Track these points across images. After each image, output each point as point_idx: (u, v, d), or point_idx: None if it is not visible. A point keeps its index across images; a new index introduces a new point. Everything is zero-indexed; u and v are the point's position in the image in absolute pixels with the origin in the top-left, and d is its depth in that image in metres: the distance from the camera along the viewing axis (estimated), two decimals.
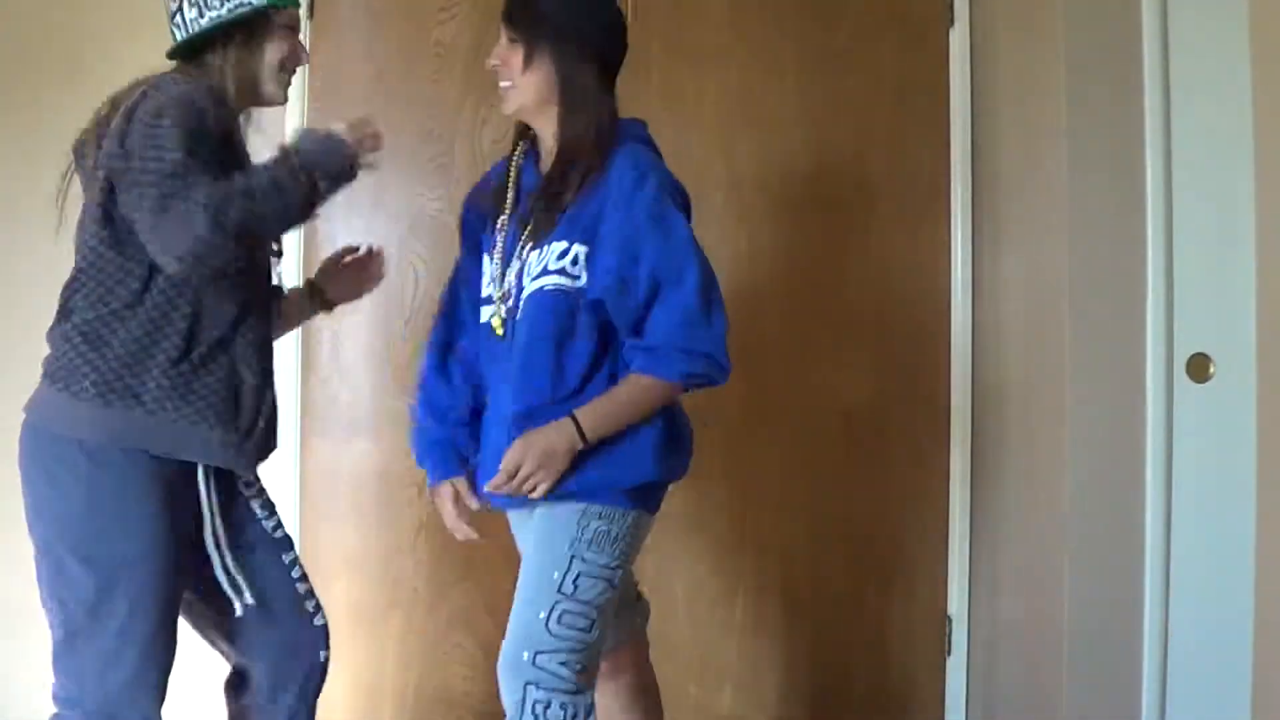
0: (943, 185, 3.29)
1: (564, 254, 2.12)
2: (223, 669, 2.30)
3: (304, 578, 2.22)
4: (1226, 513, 2.64)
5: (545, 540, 2.13)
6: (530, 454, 2.06)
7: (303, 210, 1.97)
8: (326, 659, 2.22)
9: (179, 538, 2.04)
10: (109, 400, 1.97)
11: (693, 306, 2.07)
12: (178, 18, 2.07)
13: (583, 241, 2.11)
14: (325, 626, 2.23)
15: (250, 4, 2.04)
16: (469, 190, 2.43)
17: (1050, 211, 2.87)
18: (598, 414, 2.09)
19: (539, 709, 2.03)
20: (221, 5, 2.03)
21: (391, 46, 3.14)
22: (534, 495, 2.08)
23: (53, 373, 2.03)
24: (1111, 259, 2.76)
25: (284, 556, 2.20)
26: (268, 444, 2.16)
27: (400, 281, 3.12)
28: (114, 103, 2.01)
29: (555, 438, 2.07)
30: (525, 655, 2.05)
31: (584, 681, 2.08)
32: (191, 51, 2.08)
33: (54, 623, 2.04)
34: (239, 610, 2.11)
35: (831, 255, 3.28)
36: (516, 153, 2.29)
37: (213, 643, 2.25)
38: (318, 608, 2.22)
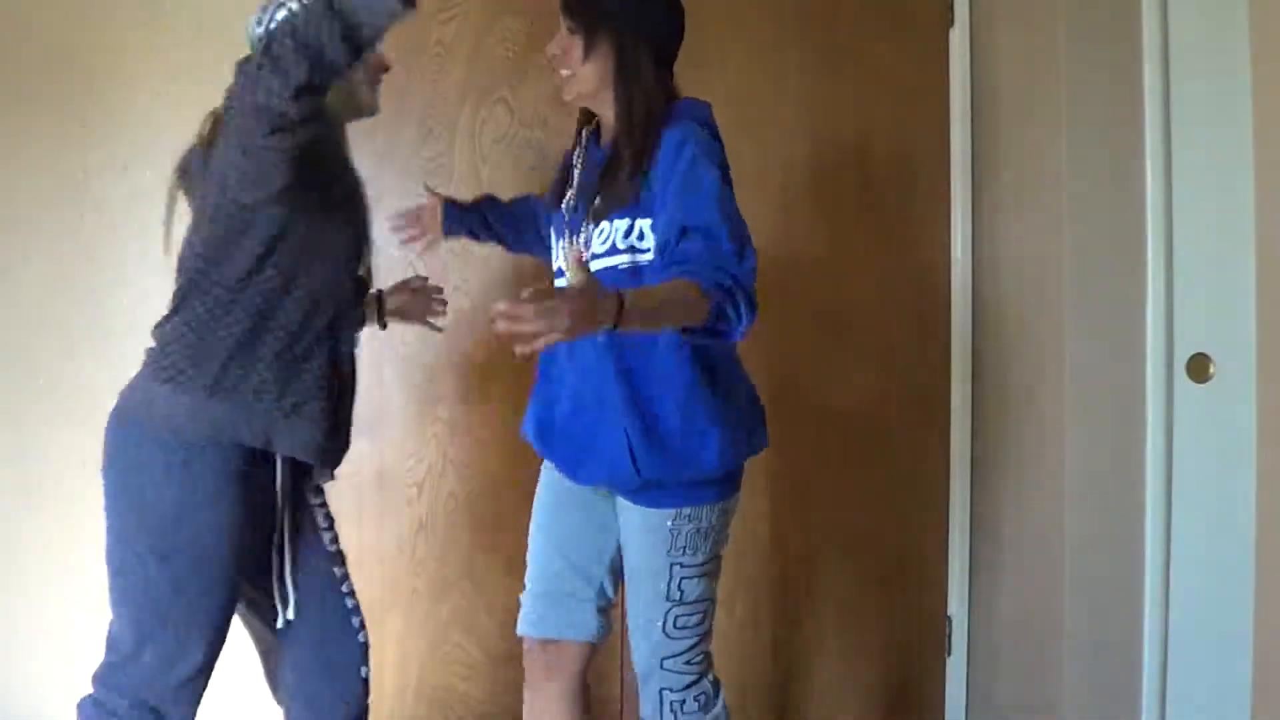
0: (943, 185, 3.29)
1: (629, 231, 2.15)
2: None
3: (352, 593, 2.26)
4: (1226, 513, 2.64)
5: (643, 551, 2.23)
6: (566, 306, 1.69)
7: (343, 45, 1.88)
8: (367, 675, 2.25)
9: (252, 544, 2.08)
10: (212, 391, 2.02)
11: (722, 244, 2.02)
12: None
13: (645, 215, 2.15)
14: (366, 644, 2.26)
15: None
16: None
17: (1050, 211, 2.87)
18: (639, 297, 1.86)
19: (676, 707, 2.26)
20: None
21: (392, 46, 3.12)
22: (519, 346, 1.70)
23: (157, 366, 2.07)
24: (1111, 259, 2.76)
25: (336, 570, 2.24)
26: (348, 444, 2.22)
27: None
28: (214, 118, 2.09)
29: (593, 303, 1.75)
30: (655, 663, 2.25)
31: (707, 665, 2.30)
32: None
33: (118, 611, 2.06)
34: (281, 621, 2.16)
35: (831, 255, 3.27)
36: (582, 136, 2.35)
37: (261, 654, 2.28)
38: (362, 625, 2.26)
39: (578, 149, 2.36)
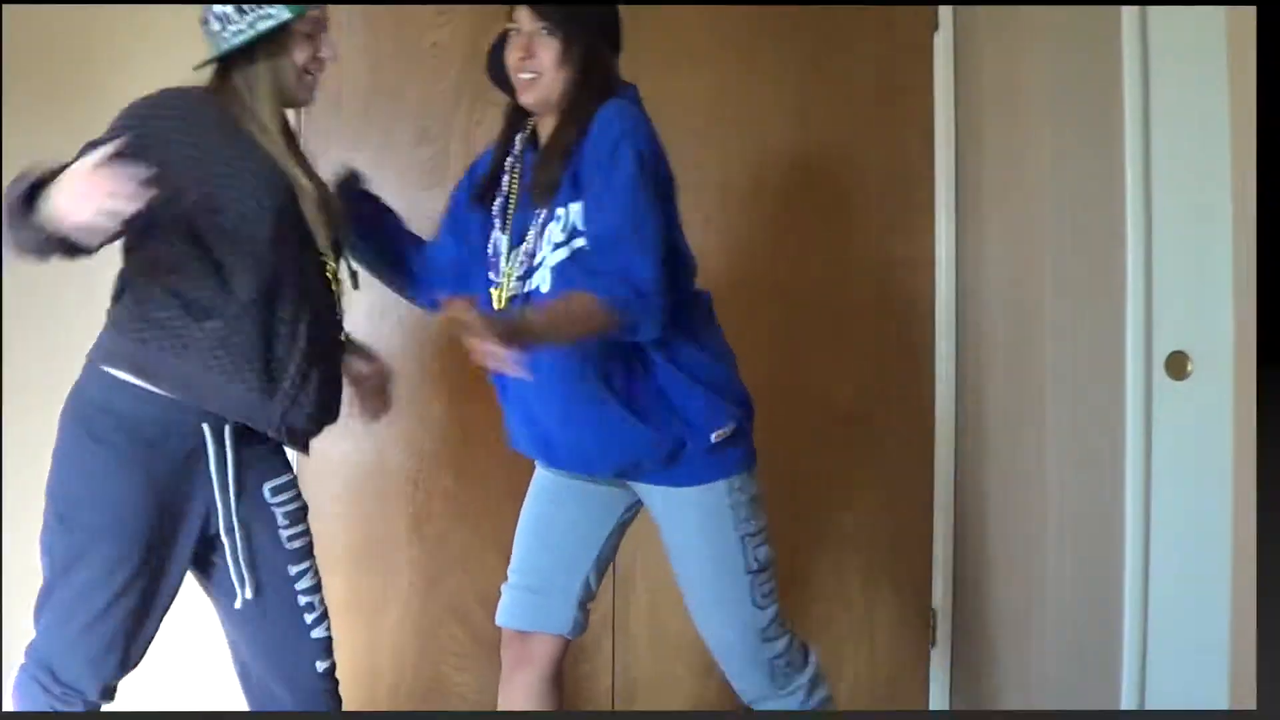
0: (928, 186, 3.32)
1: (567, 219, 2.14)
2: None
3: (311, 590, 2.22)
4: (1203, 507, 2.67)
5: (709, 536, 2.26)
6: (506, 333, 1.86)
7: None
8: (328, 669, 2.25)
9: (165, 522, 2.08)
10: (145, 339, 2.05)
11: (626, 256, 2.05)
12: (204, 29, 2.11)
13: (577, 200, 2.14)
14: (326, 639, 2.24)
15: (271, 16, 2.06)
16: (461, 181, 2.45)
17: (1032, 211, 2.91)
18: (544, 319, 1.99)
19: (792, 670, 2.35)
20: (243, 21, 2.05)
21: (388, 49, 3.17)
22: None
23: (112, 319, 2.15)
24: (1091, 257, 2.79)
25: (291, 568, 2.20)
26: (314, 417, 2.19)
27: None
28: None
29: (514, 337, 1.87)
30: (755, 641, 2.29)
31: (784, 618, 2.35)
32: (221, 64, 2.13)
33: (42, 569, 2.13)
34: (239, 603, 2.16)
35: (818, 256, 3.31)
36: (518, 143, 2.28)
37: (229, 644, 2.29)
38: (320, 620, 2.23)
39: (509, 157, 2.28)
